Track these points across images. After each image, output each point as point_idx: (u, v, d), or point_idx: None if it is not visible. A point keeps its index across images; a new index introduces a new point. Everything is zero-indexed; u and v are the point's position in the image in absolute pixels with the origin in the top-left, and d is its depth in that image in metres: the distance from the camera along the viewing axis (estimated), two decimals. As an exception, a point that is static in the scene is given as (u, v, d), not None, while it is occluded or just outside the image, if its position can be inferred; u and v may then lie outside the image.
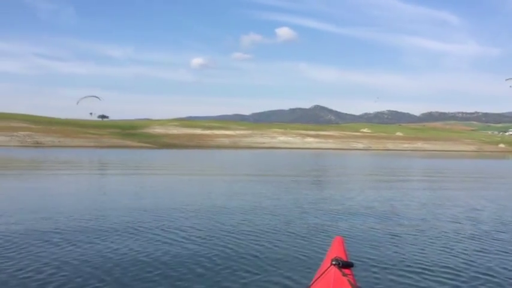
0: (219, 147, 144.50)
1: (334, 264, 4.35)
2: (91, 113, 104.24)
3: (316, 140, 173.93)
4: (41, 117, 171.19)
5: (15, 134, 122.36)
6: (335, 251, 4.94)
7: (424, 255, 8.88)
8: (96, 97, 77.24)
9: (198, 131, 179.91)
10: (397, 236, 10.61)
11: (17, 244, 9.33)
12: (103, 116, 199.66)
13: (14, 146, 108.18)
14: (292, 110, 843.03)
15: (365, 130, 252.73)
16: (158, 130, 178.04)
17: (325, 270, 4.41)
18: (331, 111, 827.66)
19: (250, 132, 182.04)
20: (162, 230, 11.00)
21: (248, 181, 26.73)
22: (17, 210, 13.74)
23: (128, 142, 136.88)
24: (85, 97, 73.93)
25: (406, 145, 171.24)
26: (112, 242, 9.64)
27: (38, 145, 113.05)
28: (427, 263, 8.26)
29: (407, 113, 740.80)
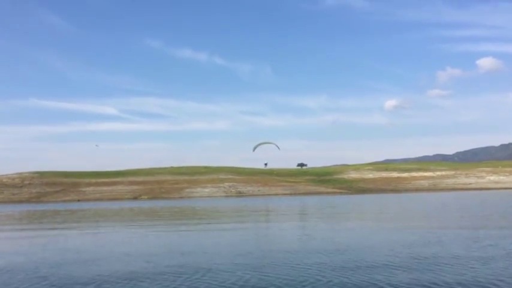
0: (417, 190, 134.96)
1: None
2: (266, 164, 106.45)
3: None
4: (244, 168, 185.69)
5: (221, 185, 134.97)
6: None
7: None
8: (273, 143, 76.00)
9: (395, 174, 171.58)
10: None
11: None
12: (302, 164, 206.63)
13: (219, 196, 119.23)
14: (505, 146, 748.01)
15: None
16: (353, 175, 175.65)
17: None
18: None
19: (453, 172, 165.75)
20: None
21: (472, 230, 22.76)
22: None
23: (322, 189, 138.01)
24: (260, 144, 74.07)
25: None
26: None
27: (240, 194, 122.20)
28: None
29: None
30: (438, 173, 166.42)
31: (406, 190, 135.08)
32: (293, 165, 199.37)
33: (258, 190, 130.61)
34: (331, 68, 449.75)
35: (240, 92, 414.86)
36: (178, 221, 35.54)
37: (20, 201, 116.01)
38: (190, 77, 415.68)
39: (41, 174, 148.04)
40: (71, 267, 14.29)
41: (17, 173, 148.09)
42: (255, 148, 76.28)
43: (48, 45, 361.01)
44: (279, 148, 79.17)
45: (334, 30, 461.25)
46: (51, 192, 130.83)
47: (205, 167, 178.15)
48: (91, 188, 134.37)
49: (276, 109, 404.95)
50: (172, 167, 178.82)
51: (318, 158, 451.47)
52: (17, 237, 26.57)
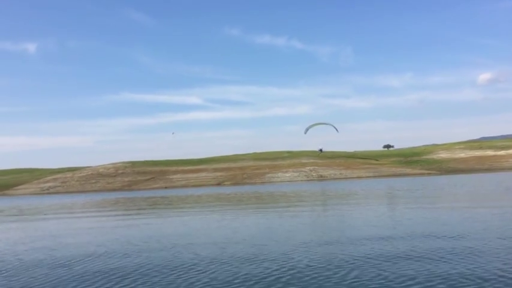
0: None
1: None
2: (320, 149, 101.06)
3: None
4: (326, 151, 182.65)
5: (302, 169, 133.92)
6: None
7: None
8: (329, 125, 68.45)
9: (490, 153, 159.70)
10: None
11: None
12: (388, 146, 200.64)
13: (300, 180, 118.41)
14: None
15: None
16: (442, 155, 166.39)
17: None
18: None
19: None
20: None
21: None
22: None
23: (408, 170, 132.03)
24: (313, 125, 66.53)
25: None
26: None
27: (321, 178, 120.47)
28: None
29: None
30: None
31: (503, 169, 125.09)
32: (378, 147, 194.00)
33: (340, 173, 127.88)
34: (415, 43, 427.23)
35: (320, 75, 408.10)
36: (256, 206, 35.29)
37: (114, 190, 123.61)
38: (269, 62, 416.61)
39: (133, 163, 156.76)
40: (151, 254, 14.25)
41: (111, 164, 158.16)
42: (307, 130, 68.01)
43: (134, 41, 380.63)
44: (337, 130, 71.39)
45: (418, 1, 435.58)
46: (141, 181, 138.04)
47: (288, 152, 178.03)
48: (178, 176, 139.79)
49: (359, 90, 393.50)
50: (254, 153, 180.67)
51: (405, 138, 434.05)
52: (108, 226, 27.77)
